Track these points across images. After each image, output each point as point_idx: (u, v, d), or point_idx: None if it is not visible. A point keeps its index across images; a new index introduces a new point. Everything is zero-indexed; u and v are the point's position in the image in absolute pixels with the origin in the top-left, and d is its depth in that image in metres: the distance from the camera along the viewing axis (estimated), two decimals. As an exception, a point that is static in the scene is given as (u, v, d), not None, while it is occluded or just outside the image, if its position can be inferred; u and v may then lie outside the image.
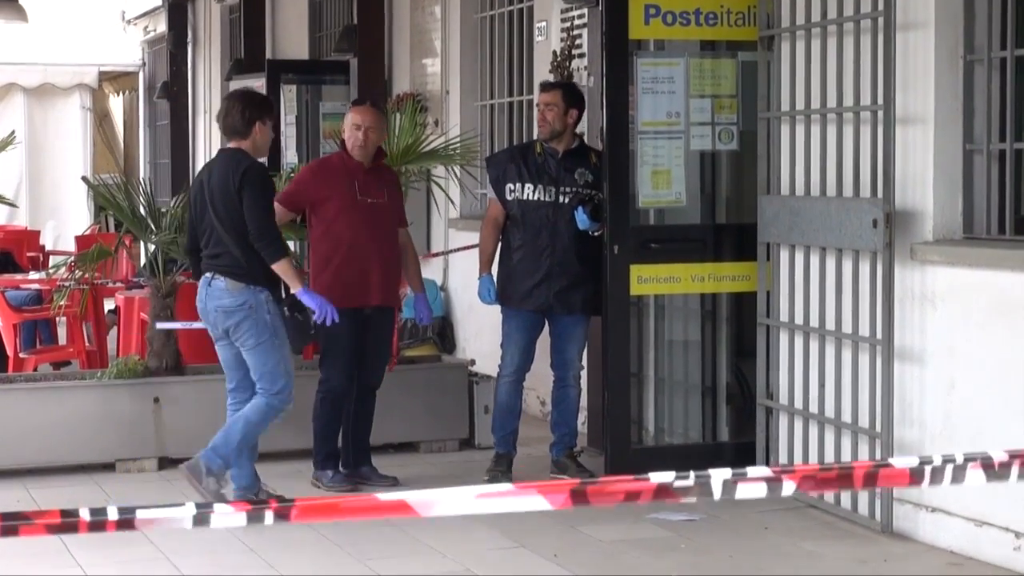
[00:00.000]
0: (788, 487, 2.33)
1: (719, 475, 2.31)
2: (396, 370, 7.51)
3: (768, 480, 2.32)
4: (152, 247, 7.42)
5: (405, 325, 9.25)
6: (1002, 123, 5.59)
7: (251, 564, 5.48)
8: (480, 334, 9.30)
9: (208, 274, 6.13)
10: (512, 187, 6.74)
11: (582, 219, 6.63)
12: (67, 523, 2.20)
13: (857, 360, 5.93)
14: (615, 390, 6.77)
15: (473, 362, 7.94)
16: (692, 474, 2.33)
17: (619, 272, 6.70)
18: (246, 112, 6.05)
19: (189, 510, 2.23)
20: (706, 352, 7.16)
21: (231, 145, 6.13)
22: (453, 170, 7.60)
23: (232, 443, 6.17)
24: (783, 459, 6.31)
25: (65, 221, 16.60)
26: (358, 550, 5.62)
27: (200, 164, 15.70)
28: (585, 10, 8.04)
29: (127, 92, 18.96)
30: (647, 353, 7.09)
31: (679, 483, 2.26)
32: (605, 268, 6.72)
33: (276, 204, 6.32)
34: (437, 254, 9.75)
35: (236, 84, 12.81)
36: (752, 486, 2.31)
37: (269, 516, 2.24)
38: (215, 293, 6.10)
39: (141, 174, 17.49)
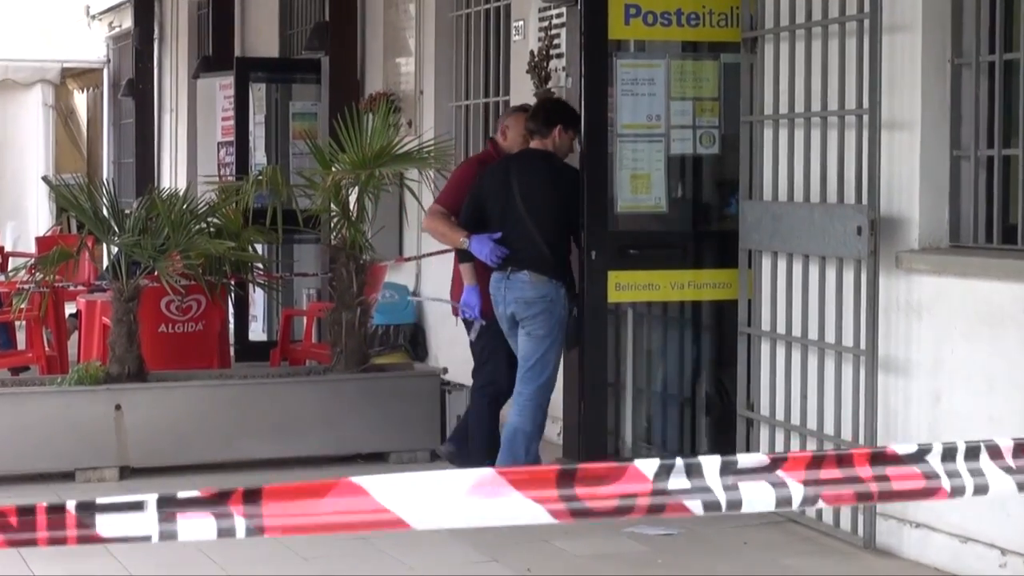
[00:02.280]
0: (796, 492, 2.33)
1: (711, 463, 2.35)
2: (366, 378, 7.50)
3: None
4: (115, 249, 7.40)
5: (376, 332, 9.23)
6: (990, 128, 5.60)
7: (203, 564, 5.46)
8: (453, 342, 9.26)
9: (508, 268, 6.53)
10: None
11: None
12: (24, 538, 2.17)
13: (840, 371, 5.94)
14: (591, 399, 6.78)
15: (445, 370, 7.93)
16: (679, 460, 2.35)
17: (596, 278, 6.71)
18: (550, 115, 6.64)
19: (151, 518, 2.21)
20: (685, 361, 7.17)
21: (535, 145, 6.64)
22: (427, 173, 7.57)
23: (520, 458, 6.45)
24: (764, 472, 6.29)
25: (25, 222, 16.54)
26: (324, 563, 5.60)
27: (166, 163, 15.73)
28: (563, 9, 8.03)
29: (91, 89, 18.92)
30: (625, 362, 7.11)
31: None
32: (582, 274, 6.74)
33: (438, 207, 6.84)
34: (409, 259, 9.74)
35: (204, 82, 12.79)
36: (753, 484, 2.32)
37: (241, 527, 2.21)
38: (516, 285, 6.52)
39: (104, 174, 17.44)
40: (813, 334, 6.10)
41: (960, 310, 5.47)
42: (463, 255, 6.79)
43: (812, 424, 6.10)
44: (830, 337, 6.00)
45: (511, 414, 6.66)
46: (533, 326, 6.53)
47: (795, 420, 6.21)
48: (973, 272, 5.42)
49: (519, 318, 6.58)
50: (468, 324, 7.01)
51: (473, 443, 6.89)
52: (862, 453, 2.38)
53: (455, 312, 7.15)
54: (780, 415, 6.30)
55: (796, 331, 6.21)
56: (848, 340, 5.89)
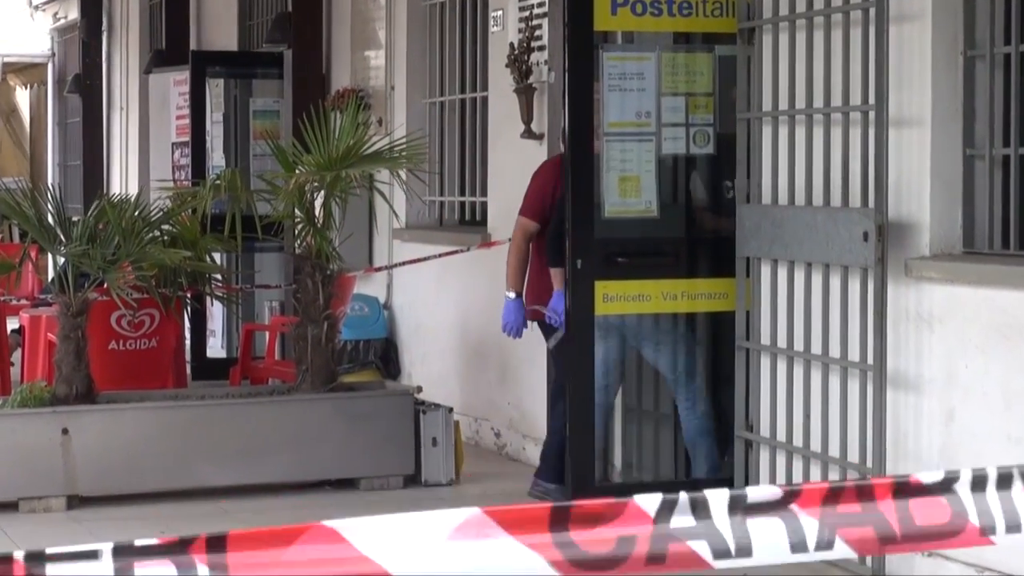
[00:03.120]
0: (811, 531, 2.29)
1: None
2: (334, 398, 7.48)
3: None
4: (61, 260, 7.36)
5: (344, 348, 9.22)
6: (1006, 125, 5.60)
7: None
8: (427, 358, 9.30)
9: None
10: None
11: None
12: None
13: (846, 388, 5.94)
14: (578, 420, 6.73)
15: (420, 389, 7.92)
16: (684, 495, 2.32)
17: (583, 289, 6.69)
18: None
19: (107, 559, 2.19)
20: (679, 378, 7.05)
21: None
22: (398, 175, 7.56)
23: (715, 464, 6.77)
24: (764, 497, 6.28)
25: (-36, 230, 16.49)
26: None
27: (116, 166, 15.71)
28: (545, -2, 8.06)
29: (34, 85, 18.88)
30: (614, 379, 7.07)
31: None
32: (566, 284, 6.74)
33: (527, 221, 7.12)
34: (380, 268, 9.74)
35: (157, 78, 12.79)
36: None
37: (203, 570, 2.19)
38: None
39: (49, 177, 17.38)
40: (817, 348, 6.10)
41: (975, 321, 5.46)
42: (554, 258, 6.92)
43: (816, 445, 6.10)
44: (835, 351, 6.00)
45: (689, 422, 6.85)
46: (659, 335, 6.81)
47: (798, 441, 6.21)
48: (989, 280, 5.41)
49: (643, 331, 6.85)
50: (547, 330, 7.11)
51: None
52: (884, 484, 2.34)
53: (532, 317, 7.20)
54: (781, 436, 6.30)
55: (798, 345, 6.20)
56: (854, 354, 5.89)
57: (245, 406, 7.52)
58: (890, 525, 2.35)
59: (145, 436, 7.16)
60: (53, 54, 18.00)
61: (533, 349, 7.82)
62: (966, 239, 5.70)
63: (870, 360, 5.79)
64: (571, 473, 6.75)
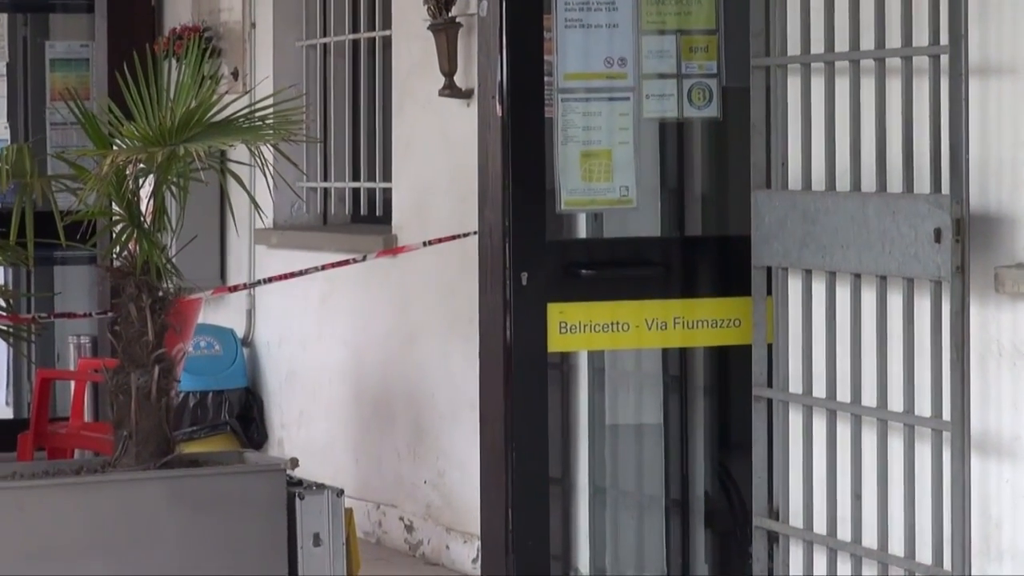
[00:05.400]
0: None
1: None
2: (170, 477, 7.42)
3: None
4: None
5: (185, 403, 9.19)
6: None
7: None
8: (306, 418, 9.39)
9: None
10: None
11: None
12: None
13: (912, 455, 5.92)
14: (525, 504, 6.78)
15: (295, 463, 7.74)
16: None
17: (529, 315, 6.74)
18: None
19: None
20: (671, 443, 7.20)
21: None
22: (262, 151, 7.52)
23: None
24: (795, 614, 6.31)
25: None
26: None
27: None
28: None
29: None
30: (577, 445, 7.13)
31: None
32: (507, 310, 6.74)
33: None
34: (237, 288, 9.74)
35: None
36: None
37: None
38: None
39: None
40: (869, 399, 6.06)
41: (1095, 357, 5.52)
42: None
43: (869, 540, 6.09)
44: (896, 402, 5.96)
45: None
46: None
47: (843, 534, 6.20)
48: (1116, 299, 5.48)
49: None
50: None
51: None
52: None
53: None
54: (820, 525, 6.29)
55: (842, 394, 6.17)
56: (923, 407, 5.85)
57: (40, 491, 7.44)
58: None
59: None
60: None
61: (458, 398, 7.84)
62: (1082, 239, 5.76)
63: (946, 415, 5.74)
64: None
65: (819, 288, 6.29)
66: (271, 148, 7.50)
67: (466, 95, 8.17)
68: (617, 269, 6.91)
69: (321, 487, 7.51)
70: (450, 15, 8.18)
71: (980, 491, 5.79)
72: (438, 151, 7.72)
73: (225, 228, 9.48)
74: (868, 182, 6.11)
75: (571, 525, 7.21)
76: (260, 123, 7.56)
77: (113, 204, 7.42)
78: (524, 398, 6.79)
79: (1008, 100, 5.74)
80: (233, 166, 7.93)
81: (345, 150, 9.53)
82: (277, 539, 7.47)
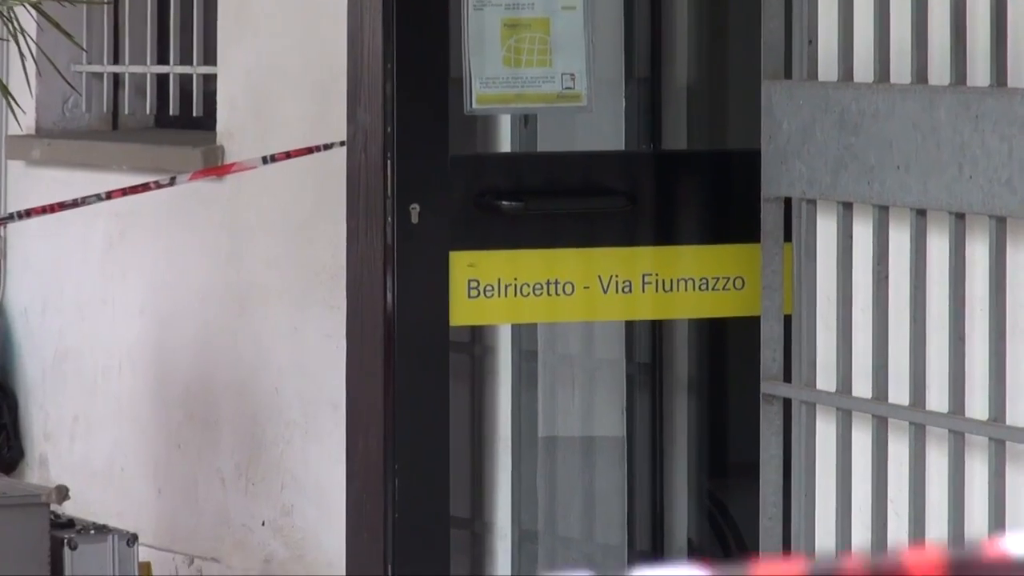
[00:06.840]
0: None
1: None
2: None
3: None
4: None
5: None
6: None
7: None
8: (83, 422, 9.31)
9: None
10: None
11: None
12: None
13: (1001, 485, 5.93)
14: (413, 556, 7.10)
15: (65, 493, 7.73)
16: None
17: (422, 270, 7.00)
18: None
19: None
20: (638, 465, 7.49)
21: None
22: (14, 16, 7.32)
23: None
24: None
25: None
26: None
27: None
28: None
29: None
30: (495, 468, 7.54)
31: None
32: (388, 262, 6.86)
33: None
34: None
35: None
36: None
37: None
38: None
39: None
40: (936, 400, 6.13)
41: None
42: None
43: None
44: (976, 407, 6.00)
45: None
46: None
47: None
48: None
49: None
50: None
51: None
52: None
53: None
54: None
55: (896, 392, 6.22)
56: (1017, 412, 5.93)
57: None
58: None
59: None
60: None
61: (314, 395, 8.21)
62: None
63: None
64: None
65: (863, 231, 6.37)
66: (32, 11, 7.43)
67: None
68: (557, 200, 7.02)
69: (103, 530, 7.82)
70: None
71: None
72: (287, 20, 7.53)
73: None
74: (939, 72, 6.10)
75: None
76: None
77: None
78: (414, 397, 7.04)
79: None
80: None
81: (147, 18, 9.50)
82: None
